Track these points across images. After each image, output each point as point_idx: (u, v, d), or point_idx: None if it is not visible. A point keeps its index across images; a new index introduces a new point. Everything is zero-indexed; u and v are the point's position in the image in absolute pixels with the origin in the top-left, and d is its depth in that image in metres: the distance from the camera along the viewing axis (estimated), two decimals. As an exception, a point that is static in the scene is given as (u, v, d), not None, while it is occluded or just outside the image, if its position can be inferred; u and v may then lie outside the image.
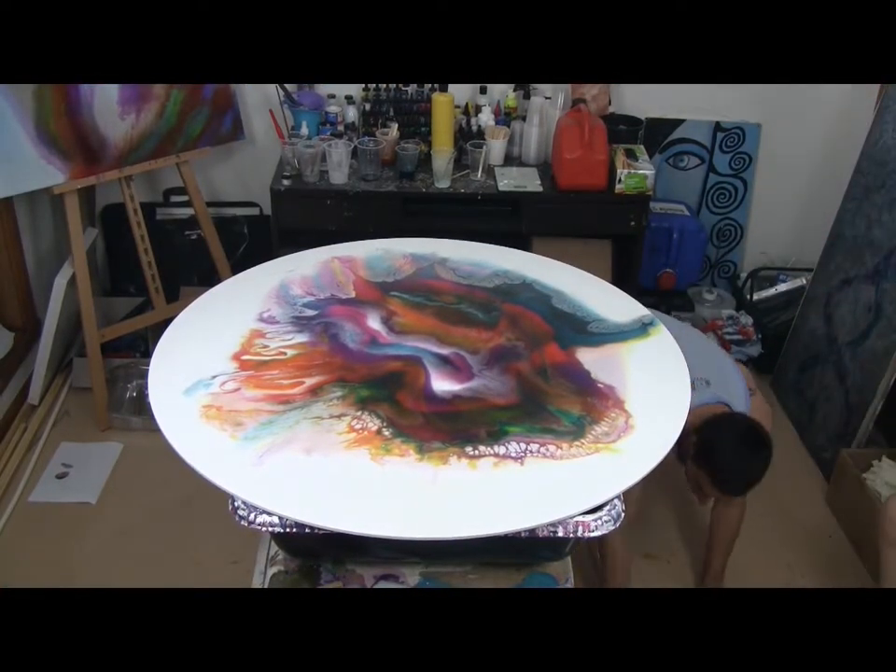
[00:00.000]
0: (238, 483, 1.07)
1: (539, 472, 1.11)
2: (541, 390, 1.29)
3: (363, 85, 2.75)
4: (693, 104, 2.87)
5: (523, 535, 1.07)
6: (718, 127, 2.94)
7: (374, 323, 1.45)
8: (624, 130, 2.69)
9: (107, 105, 2.25)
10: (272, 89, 2.69)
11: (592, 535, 1.11)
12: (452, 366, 1.34)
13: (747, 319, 2.75)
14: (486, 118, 2.72)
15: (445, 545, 1.02)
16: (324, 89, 2.76)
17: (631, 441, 1.18)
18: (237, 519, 1.10)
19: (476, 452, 1.14)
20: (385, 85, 2.73)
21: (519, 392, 1.28)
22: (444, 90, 2.65)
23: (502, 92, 2.79)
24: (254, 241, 2.99)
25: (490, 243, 1.78)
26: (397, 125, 2.67)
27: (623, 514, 1.12)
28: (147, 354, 2.64)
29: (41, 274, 2.63)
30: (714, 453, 1.70)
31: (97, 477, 2.32)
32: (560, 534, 1.11)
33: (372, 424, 1.19)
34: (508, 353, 1.38)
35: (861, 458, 2.25)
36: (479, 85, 2.76)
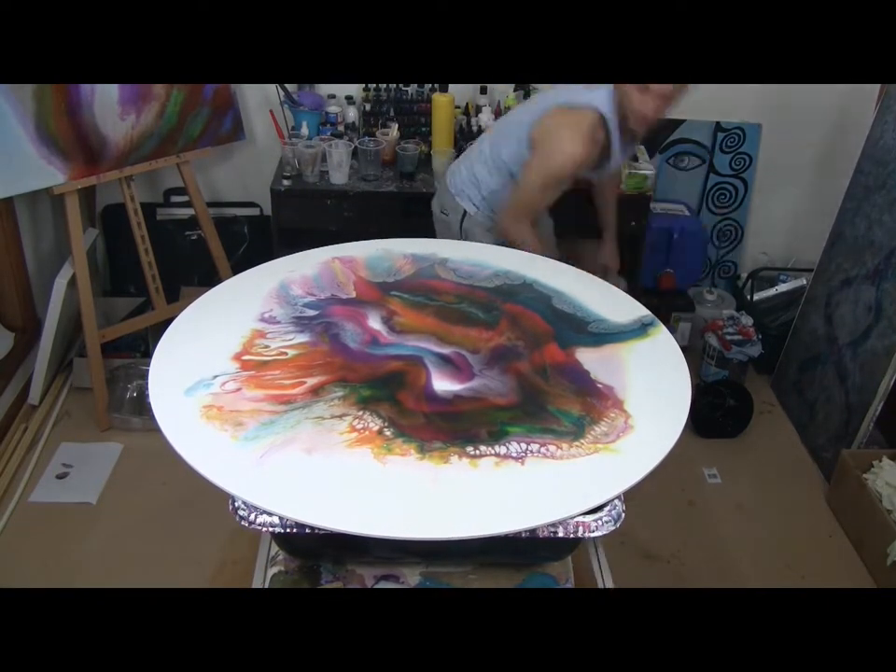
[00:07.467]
0: (238, 483, 1.07)
1: (540, 472, 1.11)
2: (541, 390, 1.29)
3: (363, 85, 2.75)
4: (693, 104, 2.87)
5: (523, 535, 1.07)
6: (718, 127, 2.94)
7: (375, 323, 1.45)
8: (625, 130, 2.69)
9: (107, 104, 2.25)
10: (272, 89, 2.69)
11: (592, 535, 1.11)
12: (452, 365, 1.34)
13: (747, 320, 2.75)
14: (486, 118, 2.72)
15: (445, 545, 1.02)
16: (324, 89, 2.76)
17: (630, 441, 1.18)
18: (237, 519, 1.10)
19: (477, 452, 1.14)
20: (385, 85, 2.73)
21: (519, 392, 1.28)
22: (444, 90, 2.65)
23: (502, 92, 2.79)
24: (254, 241, 2.99)
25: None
26: (397, 125, 2.67)
27: (623, 515, 1.12)
28: (148, 354, 2.64)
29: (41, 274, 2.63)
30: None
31: (97, 477, 2.32)
32: (560, 534, 1.11)
33: (374, 424, 1.19)
34: (508, 353, 1.39)
35: (861, 458, 2.25)
36: (479, 85, 2.76)
